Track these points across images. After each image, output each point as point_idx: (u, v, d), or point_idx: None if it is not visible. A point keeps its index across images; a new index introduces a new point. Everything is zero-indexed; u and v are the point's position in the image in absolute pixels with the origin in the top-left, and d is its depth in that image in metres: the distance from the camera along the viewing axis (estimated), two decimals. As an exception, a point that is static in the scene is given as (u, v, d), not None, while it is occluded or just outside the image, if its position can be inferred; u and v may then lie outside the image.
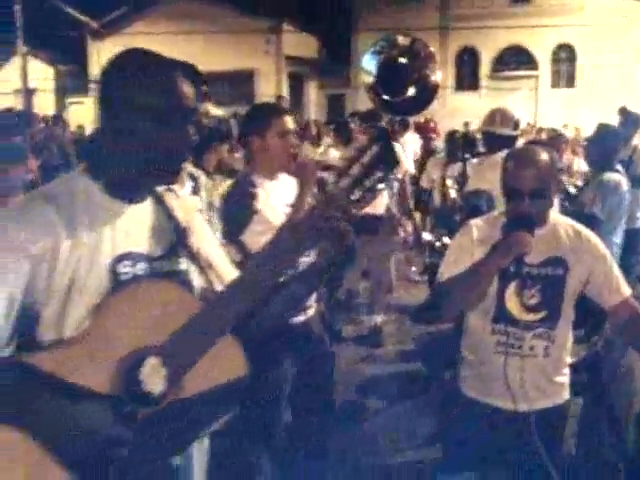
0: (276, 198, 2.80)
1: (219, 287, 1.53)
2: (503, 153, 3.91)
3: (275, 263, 1.39)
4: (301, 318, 2.88)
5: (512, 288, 2.24)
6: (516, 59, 25.37)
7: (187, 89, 1.43)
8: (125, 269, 1.42)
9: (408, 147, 8.64)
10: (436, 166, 6.67)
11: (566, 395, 2.39)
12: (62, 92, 24.94)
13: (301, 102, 25.28)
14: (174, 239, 1.53)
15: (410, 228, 5.77)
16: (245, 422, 2.88)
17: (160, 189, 1.57)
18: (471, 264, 2.21)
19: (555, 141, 7.74)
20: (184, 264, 1.54)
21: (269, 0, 23.42)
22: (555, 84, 25.49)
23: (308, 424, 2.99)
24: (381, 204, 5.41)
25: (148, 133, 1.39)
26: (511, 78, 25.06)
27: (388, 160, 1.42)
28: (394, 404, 4.44)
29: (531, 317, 2.26)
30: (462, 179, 5.96)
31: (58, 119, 11.27)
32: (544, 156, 2.23)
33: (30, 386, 1.23)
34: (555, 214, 2.39)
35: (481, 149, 5.12)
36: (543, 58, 25.15)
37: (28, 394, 1.22)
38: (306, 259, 1.69)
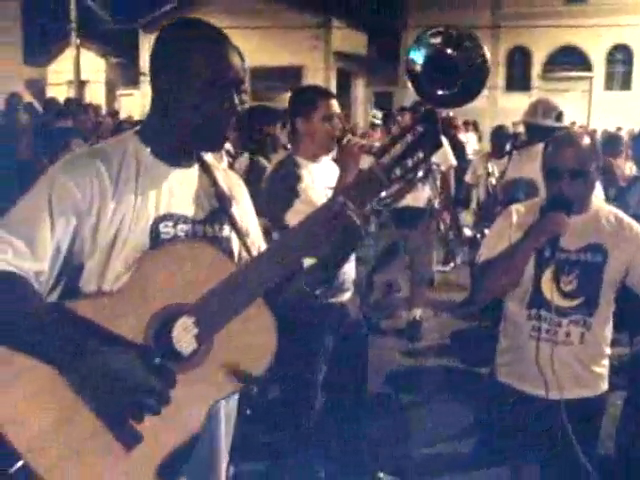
0: (319, 180, 2.83)
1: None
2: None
3: (308, 238, 1.41)
4: (339, 299, 2.89)
5: (549, 273, 2.23)
6: (569, 60, 24.84)
7: (236, 60, 1.47)
8: (166, 229, 1.46)
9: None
10: (481, 161, 6.60)
11: (604, 387, 2.36)
12: (113, 84, 25.49)
13: (349, 99, 25.27)
14: (217, 206, 1.57)
15: (449, 222, 5.72)
16: (281, 393, 2.95)
17: (207, 158, 1.61)
18: (509, 247, 2.23)
19: (611, 142, 7.55)
20: (225, 231, 1.57)
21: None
22: (609, 86, 24.88)
23: (340, 404, 3.02)
24: (423, 197, 5.38)
25: (196, 100, 1.43)
26: (563, 79, 24.56)
27: (431, 142, 1.42)
28: (431, 398, 4.41)
29: (567, 303, 2.24)
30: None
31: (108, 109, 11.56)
32: (585, 139, 2.24)
33: (69, 329, 1.27)
34: (599, 201, 2.39)
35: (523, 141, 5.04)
36: (597, 59, 24.57)
37: (65, 337, 1.25)
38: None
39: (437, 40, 4.32)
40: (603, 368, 2.36)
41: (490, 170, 5.69)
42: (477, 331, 5.06)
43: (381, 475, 3.30)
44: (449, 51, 4.27)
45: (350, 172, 2.70)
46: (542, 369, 2.21)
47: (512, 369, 2.38)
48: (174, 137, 1.48)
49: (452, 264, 7.66)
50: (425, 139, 1.41)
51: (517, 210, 2.37)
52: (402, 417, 4.14)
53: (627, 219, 2.34)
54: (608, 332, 2.35)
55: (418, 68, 4.43)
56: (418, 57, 4.40)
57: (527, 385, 2.32)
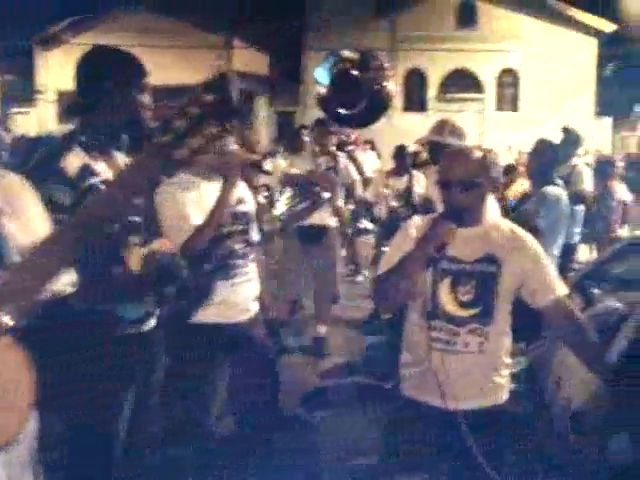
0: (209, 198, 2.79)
1: None
2: None
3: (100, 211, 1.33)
4: (241, 319, 2.87)
5: (446, 284, 2.28)
6: (462, 82, 26.00)
7: None
8: None
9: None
10: (380, 179, 6.79)
11: (504, 396, 2.39)
12: (6, 102, 24.32)
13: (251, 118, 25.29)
14: None
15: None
16: (174, 426, 2.86)
17: None
18: (404, 257, 2.27)
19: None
20: None
21: (221, 16, 23.44)
22: (500, 107, 26.22)
23: (250, 433, 2.97)
24: (327, 214, 5.46)
25: None
26: (457, 100, 25.64)
27: (224, 111, 1.24)
28: (338, 414, 4.44)
29: (465, 313, 2.29)
30: (407, 192, 6.08)
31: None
32: (475, 153, 2.31)
33: None
34: (493, 215, 2.45)
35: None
36: (488, 82, 25.88)
37: None
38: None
39: (344, 61, 4.39)
40: (503, 378, 2.39)
41: (389, 188, 5.86)
42: (384, 345, 5.17)
43: None
44: (355, 72, 4.36)
45: (229, 185, 2.71)
46: (441, 380, 2.23)
47: (414, 381, 2.39)
48: None
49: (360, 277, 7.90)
50: (217, 108, 1.23)
51: (415, 223, 2.42)
52: (313, 435, 4.14)
53: (521, 232, 2.40)
54: (507, 342, 2.39)
55: (324, 87, 4.50)
56: (324, 77, 4.47)
57: (429, 397, 2.33)
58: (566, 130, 6.75)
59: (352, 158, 6.25)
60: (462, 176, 2.24)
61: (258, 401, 2.95)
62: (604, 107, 25.91)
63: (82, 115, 2.22)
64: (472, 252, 2.29)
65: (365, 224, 7.39)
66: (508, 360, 2.41)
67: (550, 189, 4.32)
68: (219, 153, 2.66)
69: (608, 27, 24.78)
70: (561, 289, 2.35)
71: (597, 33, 25.21)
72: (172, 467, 2.69)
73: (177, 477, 2.77)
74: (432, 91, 25.97)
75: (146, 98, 2.19)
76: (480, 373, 2.32)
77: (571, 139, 6.60)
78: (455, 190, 2.24)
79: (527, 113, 24.73)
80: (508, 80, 26.09)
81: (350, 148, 6.81)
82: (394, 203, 6.10)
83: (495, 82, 25.96)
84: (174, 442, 2.70)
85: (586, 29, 25.08)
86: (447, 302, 2.29)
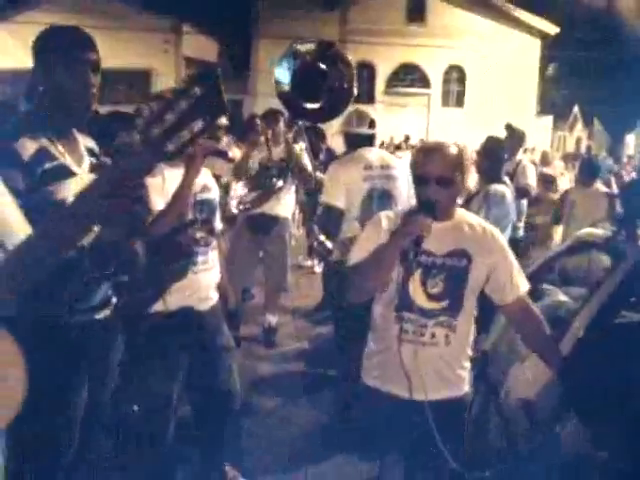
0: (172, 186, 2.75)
1: None
2: (361, 150, 4.05)
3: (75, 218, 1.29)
4: (201, 307, 2.85)
5: (416, 277, 2.30)
6: (410, 77, 26.32)
7: None
8: None
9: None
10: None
11: (466, 388, 2.45)
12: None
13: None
14: None
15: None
16: (135, 417, 2.83)
17: None
18: (376, 248, 2.27)
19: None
20: None
21: (170, 1, 23.00)
22: (445, 103, 26.67)
23: (206, 420, 2.97)
24: (278, 204, 5.44)
25: None
26: (405, 94, 25.96)
27: (212, 105, 1.23)
28: (288, 403, 4.47)
29: (434, 305, 2.32)
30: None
31: None
32: (452, 149, 2.32)
33: None
34: (463, 211, 2.48)
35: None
36: (435, 77, 26.27)
37: None
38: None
39: (304, 54, 4.34)
40: (465, 370, 2.44)
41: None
42: (332, 335, 5.21)
43: (226, 468, 3.27)
44: (321, 65, 4.32)
45: (191, 172, 2.68)
46: (407, 370, 2.26)
47: (379, 372, 2.41)
48: None
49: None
50: (204, 102, 1.21)
51: (387, 216, 2.42)
52: (262, 422, 4.16)
53: (490, 227, 2.45)
54: (471, 335, 2.43)
55: (286, 84, 4.45)
56: (285, 74, 4.41)
57: (393, 387, 2.35)
58: (510, 128, 6.92)
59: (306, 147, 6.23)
60: (439, 172, 2.26)
61: (215, 390, 2.94)
62: (545, 106, 26.73)
63: (39, 97, 2.16)
64: (443, 246, 2.32)
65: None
66: (470, 352, 2.45)
67: (495, 187, 4.40)
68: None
69: (552, 29, 25.53)
70: (524, 286, 2.41)
71: (541, 35, 25.93)
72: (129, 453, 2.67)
73: (134, 462, 2.75)
74: (380, 84, 26.20)
75: (96, 76, 2.15)
76: (445, 365, 2.36)
77: (515, 136, 6.78)
78: (432, 185, 2.26)
79: (472, 110, 25.25)
80: (454, 77, 26.57)
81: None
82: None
83: (442, 78, 26.40)
84: (132, 429, 2.69)
85: (531, 30, 25.78)
86: (416, 294, 2.30)
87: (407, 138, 17.52)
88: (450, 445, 2.25)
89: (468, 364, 2.46)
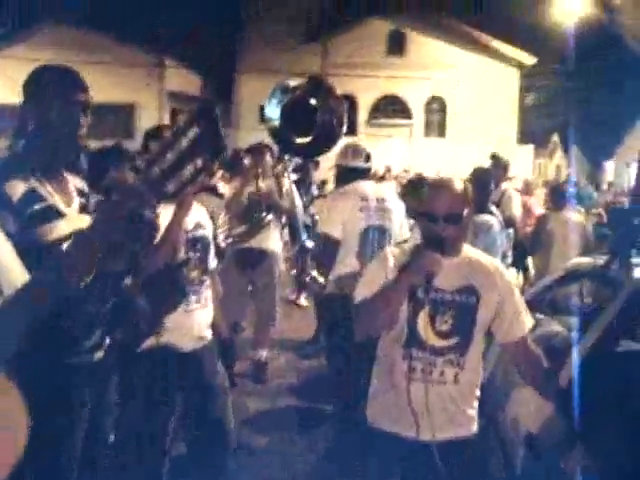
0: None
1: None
2: (357, 183, 4.02)
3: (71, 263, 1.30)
4: (195, 346, 2.81)
5: (425, 313, 2.26)
6: (392, 108, 26.64)
7: None
8: None
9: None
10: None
11: (474, 428, 2.38)
12: None
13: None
14: None
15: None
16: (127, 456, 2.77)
17: None
18: (385, 284, 2.24)
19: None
20: None
21: (153, 35, 23.21)
22: (427, 133, 26.99)
23: (201, 460, 2.91)
24: (267, 238, 5.42)
25: None
26: (387, 125, 26.24)
27: (212, 144, 1.22)
28: (281, 440, 4.40)
29: (442, 343, 2.28)
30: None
31: None
32: (460, 184, 2.32)
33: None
34: (469, 246, 2.45)
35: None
36: (416, 108, 26.62)
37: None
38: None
39: (293, 90, 4.35)
40: (474, 410, 2.39)
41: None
42: (323, 369, 5.16)
43: None
44: (312, 100, 4.32)
45: (183, 208, 2.65)
46: (415, 409, 2.21)
47: (385, 411, 2.36)
48: None
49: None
50: (204, 141, 1.20)
51: (392, 252, 2.40)
52: (254, 461, 4.08)
53: (497, 263, 2.44)
54: (480, 373, 2.39)
55: (276, 120, 4.44)
56: (274, 110, 4.41)
57: (399, 427, 2.30)
58: (494, 157, 7.00)
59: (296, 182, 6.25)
60: (448, 209, 2.24)
61: (210, 429, 2.88)
62: (525, 135, 27.13)
63: (28, 137, 2.13)
64: (452, 282, 2.29)
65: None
66: (478, 392, 2.41)
67: (482, 217, 4.42)
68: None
69: (529, 60, 26.05)
70: (529, 323, 2.39)
71: (519, 65, 26.43)
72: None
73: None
74: (362, 116, 26.48)
75: (87, 117, 2.14)
76: (453, 404, 2.32)
77: (500, 166, 6.85)
78: (440, 222, 2.24)
79: (454, 139, 25.56)
80: (436, 107, 26.94)
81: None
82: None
83: (423, 109, 26.75)
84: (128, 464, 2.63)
85: (509, 61, 26.28)
86: (425, 331, 2.26)
87: (388, 169, 17.68)
88: None
89: (476, 403, 2.40)
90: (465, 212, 2.27)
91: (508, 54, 26.10)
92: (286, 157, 5.29)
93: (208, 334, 2.93)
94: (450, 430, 2.31)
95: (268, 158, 5.49)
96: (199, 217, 2.91)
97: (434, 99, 26.71)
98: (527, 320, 2.38)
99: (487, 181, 4.79)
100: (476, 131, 24.39)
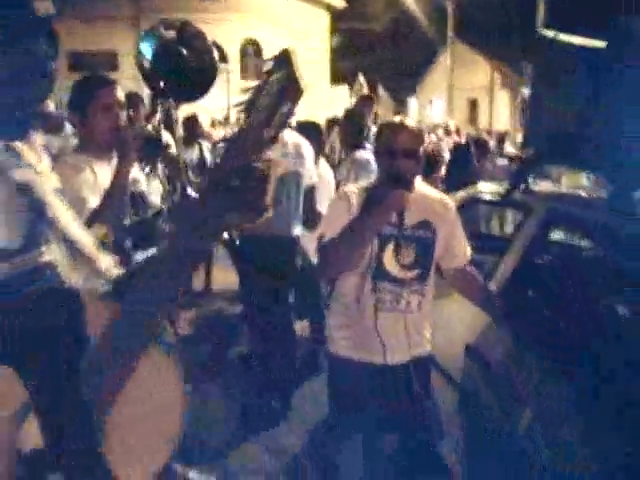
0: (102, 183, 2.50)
1: None
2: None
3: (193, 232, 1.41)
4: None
5: (390, 248, 2.38)
6: (207, 52, 26.13)
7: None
8: None
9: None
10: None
11: (429, 347, 2.59)
12: None
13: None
14: None
15: None
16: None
17: None
18: (351, 223, 2.30)
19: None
20: None
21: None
22: (244, 77, 27.00)
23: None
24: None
25: None
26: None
27: (292, 89, 1.26)
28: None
29: (407, 275, 2.42)
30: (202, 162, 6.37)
31: None
32: (415, 124, 2.45)
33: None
34: (419, 182, 2.53)
35: None
36: (233, 52, 26.47)
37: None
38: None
39: (170, 35, 4.33)
40: (429, 331, 2.59)
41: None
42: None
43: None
44: (177, 44, 4.24)
45: (127, 164, 2.50)
46: (382, 338, 2.38)
47: (352, 341, 2.47)
48: None
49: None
50: (287, 88, 1.23)
51: (352, 191, 2.46)
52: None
53: (444, 197, 2.59)
54: (431, 298, 2.56)
55: (147, 61, 4.38)
56: (148, 50, 4.36)
57: (367, 354, 2.44)
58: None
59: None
60: (406, 145, 2.34)
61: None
62: (335, 76, 28.15)
63: None
64: (411, 217, 2.38)
65: None
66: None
67: (360, 154, 4.68)
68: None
69: (338, 3, 26.88)
70: (469, 252, 2.63)
71: (329, 8, 27.17)
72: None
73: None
74: (178, 61, 25.72)
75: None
76: (415, 328, 2.49)
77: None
78: (400, 158, 2.33)
79: (272, 83, 25.85)
80: (250, 50, 26.94)
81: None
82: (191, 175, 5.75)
83: (239, 52, 26.64)
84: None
85: (319, 3, 26.90)
86: (391, 265, 2.39)
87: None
88: (425, 402, 2.47)
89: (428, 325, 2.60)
90: (420, 149, 2.39)
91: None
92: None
93: None
94: (413, 352, 2.51)
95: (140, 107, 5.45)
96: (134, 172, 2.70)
97: (249, 42, 26.71)
98: (468, 250, 2.63)
99: (360, 120, 4.97)
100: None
